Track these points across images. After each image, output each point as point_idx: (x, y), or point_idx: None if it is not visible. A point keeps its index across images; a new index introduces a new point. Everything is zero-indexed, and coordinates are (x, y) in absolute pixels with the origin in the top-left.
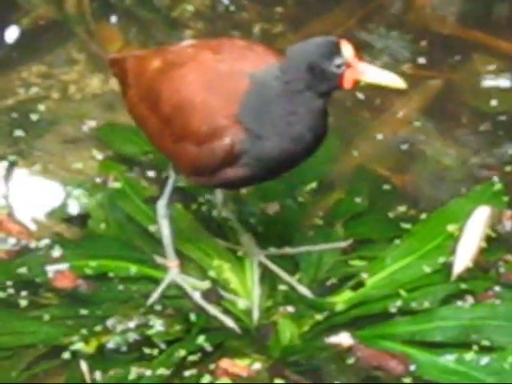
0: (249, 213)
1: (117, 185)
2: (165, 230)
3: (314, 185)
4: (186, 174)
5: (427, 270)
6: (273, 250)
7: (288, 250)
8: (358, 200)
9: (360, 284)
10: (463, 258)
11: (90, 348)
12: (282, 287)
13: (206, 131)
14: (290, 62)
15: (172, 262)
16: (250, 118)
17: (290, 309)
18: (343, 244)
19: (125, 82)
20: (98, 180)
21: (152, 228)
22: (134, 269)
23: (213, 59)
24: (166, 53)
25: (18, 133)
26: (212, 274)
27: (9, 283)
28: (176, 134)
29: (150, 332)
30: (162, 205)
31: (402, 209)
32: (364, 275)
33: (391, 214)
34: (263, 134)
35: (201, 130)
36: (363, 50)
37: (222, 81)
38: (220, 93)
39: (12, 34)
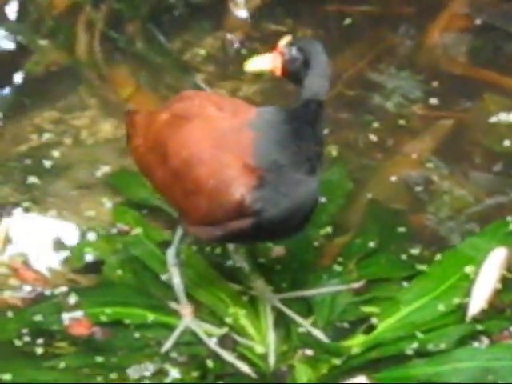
0: (261, 255)
1: (131, 231)
2: (175, 277)
3: (328, 229)
4: (194, 225)
5: (442, 311)
6: (286, 294)
7: (301, 292)
8: (370, 241)
9: (375, 326)
10: (478, 300)
11: None
12: (297, 331)
13: (215, 185)
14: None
15: (185, 309)
16: (264, 163)
17: (307, 352)
18: (356, 285)
19: (131, 132)
20: (113, 226)
21: (165, 275)
22: (149, 315)
23: (216, 116)
24: (174, 107)
25: (32, 179)
26: (228, 320)
27: (24, 331)
28: (186, 187)
29: (166, 380)
30: (171, 254)
31: (415, 249)
32: (378, 317)
33: (405, 255)
34: (279, 178)
35: (210, 184)
36: (375, 89)
37: (228, 136)
38: (228, 147)
39: (24, 80)
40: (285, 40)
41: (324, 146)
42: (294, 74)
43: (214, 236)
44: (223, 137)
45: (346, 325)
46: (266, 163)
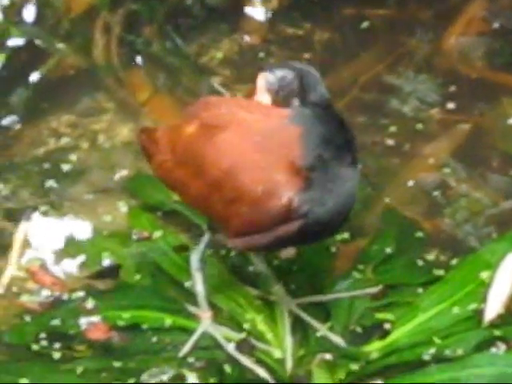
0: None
1: (148, 235)
2: (198, 282)
3: (346, 235)
4: (237, 235)
5: (459, 316)
6: (304, 299)
7: (319, 297)
8: (387, 245)
9: (392, 331)
10: (495, 305)
11: None
12: (315, 335)
13: (261, 191)
14: None
15: (205, 313)
16: (314, 161)
17: (324, 357)
18: (373, 290)
19: (153, 149)
20: (130, 230)
21: (184, 279)
22: (167, 319)
23: (250, 119)
24: (200, 118)
25: (49, 183)
26: (246, 325)
27: (42, 335)
28: (227, 196)
29: None
30: (195, 258)
31: (432, 254)
32: (396, 323)
33: (422, 260)
34: (325, 175)
35: (255, 191)
36: (392, 93)
37: (269, 137)
38: (272, 150)
39: (41, 83)
40: (262, 76)
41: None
42: (288, 97)
43: (261, 244)
44: (265, 139)
45: (363, 330)
46: (312, 159)
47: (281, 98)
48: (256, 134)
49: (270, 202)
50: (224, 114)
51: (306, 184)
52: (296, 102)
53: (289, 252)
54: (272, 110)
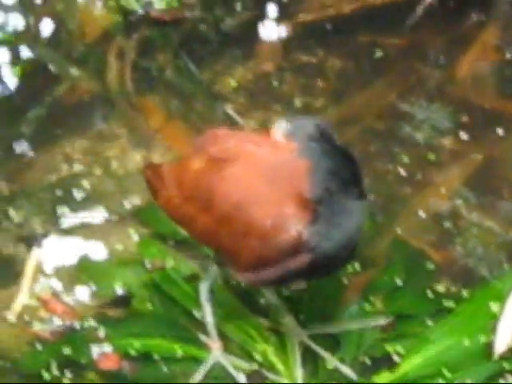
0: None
1: (162, 264)
2: (208, 313)
3: (356, 266)
4: (246, 269)
5: (470, 349)
6: (315, 329)
7: (329, 328)
8: (397, 276)
9: (402, 364)
10: (505, 338)
11: None
12: (325, 366)
13: (271, 225)
14: None
15: (215, 343)
16: (322, 194)
17: None
18: (383, 321)
19: (158, 185)
20: (142, 259)
21: (195, 308)
22: (178, 349)
23: (259, 152)
24: (207, 152)
25: (62, 210)
26: (257, 357)
27: (54, 364)
28: (237, 231)
29: None
30: (204, 289)
31: (443, 284)
32: (405, 354)
33: (432, 290)
34: (332, 209)
35: (265, 225)
36: (404, 120)
37: (278, 170)
38: (281, 183)
39: (54, 108)
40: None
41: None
42: None
43: (270, 279)
44: (273, 172)
45: (371, 361)
46: (320, 192)
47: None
48: (264, 167)
49: (280, 235)
50: (232, 148)
51: (314, 217)
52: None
53: (299, 282)
54: (279, 144)
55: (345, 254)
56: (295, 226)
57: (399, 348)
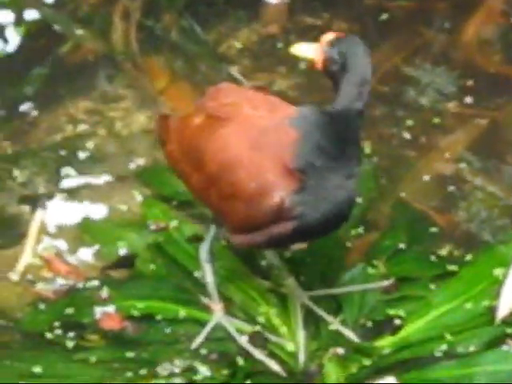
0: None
1: (165, 225)
2: (208, 274)
3: (360, 230)
4: (234, 231)
5: (472, 313)
6: (316, 291)
7: (331, 290)
8: (400, 239)
9: (404, 327)
10: (507, 302)
11: None
12: (327, 329)
13: (255, 188)
14: None
15: (216, 305)
16: (305, 166)
17: (336, 351)
18: (386, 284)
19: (165, 137)
20: (145, 220)
21: (198, 270)
22: (181, 310)
23: (253, 115)
24: (207, 108)
25: (66, 170)
26: (259, 319)
27: (56, 324)
28: (223, 191)
29: (195, 377)
30: (204, 250)
31: (446, 249)
32: (408, 318)
33: (435, 254)
34: (319, 181)
35: (249, 188)
36: (409, 84)
37: (268, 136)
38: (268, 149)
39: (59, 69)
40: (327, 37)
41: (362, 151)
42: (332, 74)
43: (257, 242)
44: (262, 137)
45: (373, 324)
46: (307, 166)
47: (326, 67)
48: (255, 131)
49: (263, 199)
50: (228, 106)
51: (299, 187)
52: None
53: (300, 244)
54: (278, 107)
55: (330, 226)
56: (278, 192)
57: (401, 311)
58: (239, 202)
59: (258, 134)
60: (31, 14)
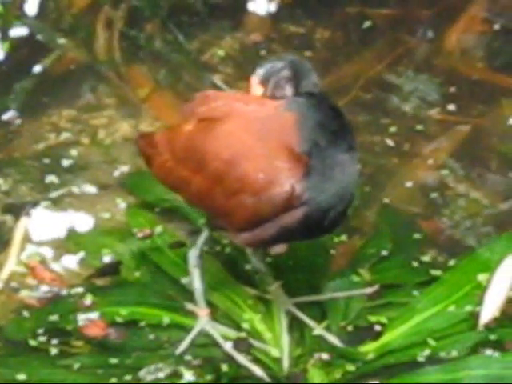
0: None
1: (150, 232)
2: (196, 279)
3: (343, 236)
4: (240, 228)
5: (455, 318)
6: (301, 298)
7: (315, 297)
8: (384, 245)
9: (387, 332)
10: (490, 308)
11: None
12: (311, 335)
13: (264, 179)
14: None
15: (202, 311)
16: (310, 147)
17: (321, 356)
18: (369, 290)
19: (151, 153)
20: (130, 227)
21: (183, 278)
22: (165, 316)
23: (248, 109)
24: (198, 112)
25: (49, 178)
26: (244, 325)
27: (40, 331)
28: (230, 188)
29: (180, 382)
30: (193, 255)
31: (430, 255)
32: (391, 323)
33: (418, 261)
34: (323, 161)
35: (258, 180)
36: (392, 91)
37: (268, 124)
38: (271, 136)
39: (42, 78)
40: (254, 81)
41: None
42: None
43: (265, 237)
44: (263, 126)
45: (356, 330)
46: (308, 145)
47: (273, 85)
48: (254, 123)
49: (273, 189)
50: (221, 107)
51: (307, 171)
52: (289, 89)
53: (280, 247)
54: (267, 101)
55: (340, 206)
56: (288, 179)
57: (385, 318)
58: (248, 196)
59: (257, 124)
60: (16, 30)
